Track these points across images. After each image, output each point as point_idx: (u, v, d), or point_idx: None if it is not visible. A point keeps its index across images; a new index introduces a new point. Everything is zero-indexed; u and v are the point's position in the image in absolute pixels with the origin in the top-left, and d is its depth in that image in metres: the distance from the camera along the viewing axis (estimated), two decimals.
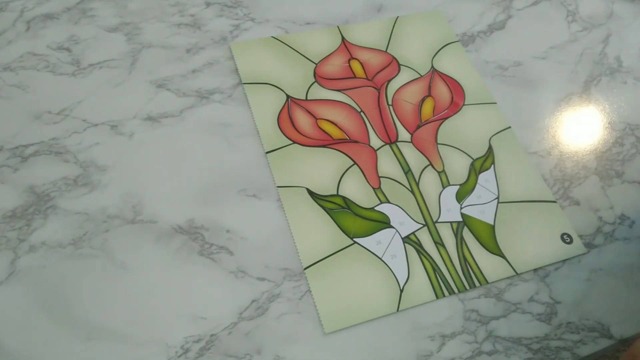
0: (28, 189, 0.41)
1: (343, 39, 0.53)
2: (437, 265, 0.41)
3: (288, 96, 0.48)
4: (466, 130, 0.49)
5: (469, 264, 0.41)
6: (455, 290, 0.40)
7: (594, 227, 0.45)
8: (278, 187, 0.43)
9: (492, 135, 0.49)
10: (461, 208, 0.44)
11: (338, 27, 0.53)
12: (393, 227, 0.42)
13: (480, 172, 0.46)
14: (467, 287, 0.40)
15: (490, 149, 0.48)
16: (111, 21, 0.50)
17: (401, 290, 0.40)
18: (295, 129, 0.46)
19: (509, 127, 0.49)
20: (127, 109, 0.45)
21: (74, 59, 0.48)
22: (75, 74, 0.47)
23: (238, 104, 0.47)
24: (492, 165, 0.47)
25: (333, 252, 0.41)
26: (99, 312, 0.36)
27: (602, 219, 0.46)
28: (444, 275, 0.41)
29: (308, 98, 0.48)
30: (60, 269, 0.38)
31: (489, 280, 0.41)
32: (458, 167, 0.46)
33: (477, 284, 0.41)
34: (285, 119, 0.46)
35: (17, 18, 0.49)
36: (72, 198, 0.41)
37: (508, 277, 0.41)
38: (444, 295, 0.40)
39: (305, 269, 0.40)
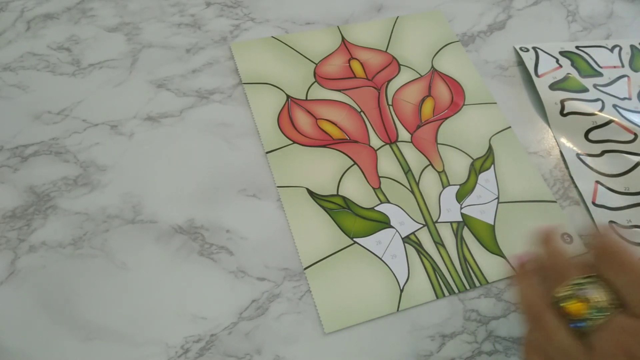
0: (28, 189, 0.41)
1: (343, 39, 0.53)
2: (437, 265, 0.41)
3: (288, 96, 0.48)
4: (466, 130, 0.49)
5: (469, 264, 0.41)
6: (456, 290, 0.40)
7: (593, 227, 0.45)
8: (278, 187, 0.43)
9: (492, 135, 0.49)
10: (461, 208, 0.44)
11: (338, 27, 0.53)
12: (393, 227, 0.42)
13: (480, 172, 0.46)
14: (467, 287, 0.40)
15: (490, 149, 0.48)
16: (111, 21, 0.50)
17: (401, 290, 0.40)
18: (295, 129, 0.46)
19: (509, 127, 0.49)
20: (127, 109, 0.45)
21: (74, 59, 0.48)
22: (75, 74, 0.47)
23: (238, 104, 0.47)
24: (492, 165, 0.47)
25: (333, 252, 0.40)
26: (99, 312, 0.36)
27: None
28: (444, 275, 0.41)
29: (308, 98, 0.48)
30: (60, 269, 0.38)
31: (489, 280, 0.41)
32: (458, 167, 0.46)
33: (477, 284, 0.41)
34: (285, 118, 0.46)
35: (17, 18, 0.49)
36: (72, 198, 0.41)
37: (508, 277, 0.41)
38: (444, 295, 0.40)
39: (305, 269, 0.40)
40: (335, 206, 0.43)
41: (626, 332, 0.25)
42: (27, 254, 0.38)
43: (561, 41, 0.57)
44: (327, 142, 0.46)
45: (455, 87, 0.51)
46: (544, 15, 0.59)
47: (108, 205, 0.41)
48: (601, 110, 0.50)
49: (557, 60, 0.54)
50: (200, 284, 0.38)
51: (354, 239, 0.41)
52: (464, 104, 0.50)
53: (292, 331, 0.37)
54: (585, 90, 0.51)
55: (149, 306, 0.37)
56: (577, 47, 0.56)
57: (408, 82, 0.51)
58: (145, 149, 0.44)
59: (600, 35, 0.58)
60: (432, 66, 0.52)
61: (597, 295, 0.27)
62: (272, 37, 0.51)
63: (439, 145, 0.47)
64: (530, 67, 0.53)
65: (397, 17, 0.55)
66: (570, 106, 0.50)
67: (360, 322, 0.38)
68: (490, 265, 0.42)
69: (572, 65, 0.54)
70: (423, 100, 0.50)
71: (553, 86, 0.51)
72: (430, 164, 0.46)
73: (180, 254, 0.39)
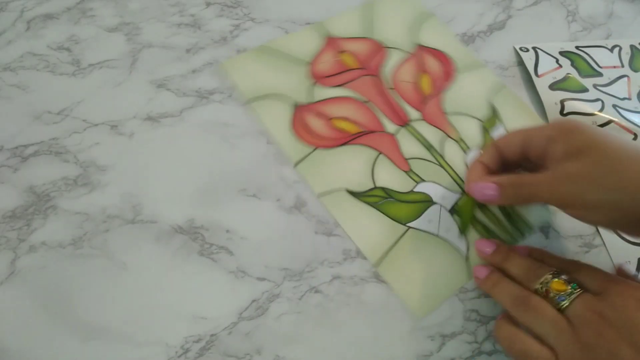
0: (28, 189, 0.41)
1: (327, 34, 0.52)
2: (486, 226, 0.43)
3: (294, 103, 0.47)
4: (467, 96, 0.50)
5: (511, 216, 0.44)
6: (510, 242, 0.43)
7: (593, 227, 0.45)
8: (319, 195, 0.43)
9: (492, 95, 0.51)
10: None
11: (319, 23, 0.53)
12: (437, 203, 0.44)
13: (492, 130, 0.48)
14: (519, 238, 0.43)
15: (493, 108, 0.50)
16: (111, 21, 0.50)
17: (466, 259, 0.41)
18: (313, 133, 0.46)
19: (505, 86, 0.52)
20: (127, 109, 0.45)
21: (74, 59, 0.48)
22: (75, 74, 0.47)
23: (238, 104, 0.47)
24: (500, 122, 0.49)
25: (394, 242, 0.41)
26: (99, 312, 0.36)
27: None
28: (495, 233, 0.43)
29: (314, 100, 0.48)
30: (60, 269, 0.38)
31: (533, 225, 0.44)
32: (471, 131, 0.48)
33: (525, 232, 0.44)
34: (299, 126, 0.46)
35: (17, 18, 0.49)
36: (72, 198, 0.41)
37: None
38: None
39: (376, 266, 0.40)
40: (378, 199, 0.43)
41: (594, 301, 0.33)
42: (27, 254, 0.38)
43: (561, 41, 0.57)
44: (347, 139, 0.46)
45: (443, 58, 0.53)
46: (544, 16, 0.59)
47: (108, 205, 0.41)
48: (601, 110, 0.50)
49: (557, 61, 0.54)
50: (200, 284, 0.38)
51: (407, 225, 0.42)
52: (457, 72, 0.52)
53: (292, 331, 0.37)
54: (585, 90, 0.51)
55: (149, 306, 0.37)
56: (577, 47, 0.56)
57: (400, 63, 0.51)
58: (145, 149, 0.44)
59: (600, 35, 0.58)
60: (417, 43, 0.53)
61: (568, 279, 0.35)
62: (260, 46, 0.50)
63: (448, 116, 0.49)
64: (530, 67, 0.53)
65: (372, 1, 0.55)
66: (570, 106, 0.50)
67: (445, 299, 0.40)
68: (529, 212, 0.44)
69: (572, 65, 0.54)
70: (419, 77, 0.51)
71: (553, 86, 0.51)
72: (447, 135, 0.47)
73: (180, 254, 0.39)
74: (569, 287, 0.34)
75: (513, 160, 0.40)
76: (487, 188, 0.38)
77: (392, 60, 0.51)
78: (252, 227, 0.41)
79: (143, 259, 0.39)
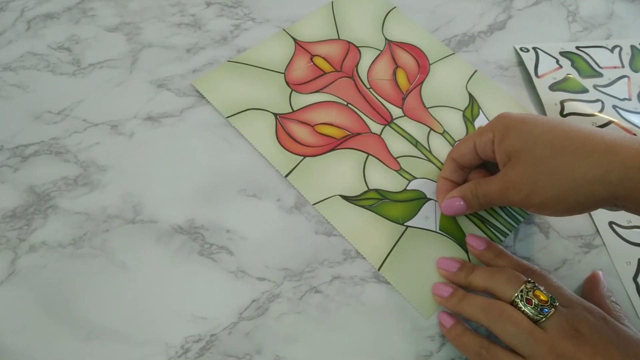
0: (28, 189, 0.41)
1: (295, 40, 0.52)
2: (482, 217, 0.43)
3: (275, 114, 0.46)
4: (443, 87, 0.51)
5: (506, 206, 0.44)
6: (507, 232, 0.43)
7: (593, 227, 0.45)
8: (313, 204, 0.42)
9: (467, 83, 0.51)
10: None
11: (284, 29, 0.52)
12: (431, 199, 0.44)
13: (474, 121, 0.49)
14: (515, 225, 0.44)
15: (471, 96, 0.50)
16: (111, 21, 0.50)
17: (467, 252, 0.42)
18: (298, 143, 0.45)
19: (476, 71, 0.52)
20: (127, 109, 0.45)
21: (74, 58, 0.48)
22: (76, 73, 0.47)
23: None
24: (480, 110, 0.49)
25: (394, 243, 0.41)
26: (99, 312, 0.36)
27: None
28: (492, 223, 0.43)
29: (294, 109, 0.47)
30: (60, 269, 0.38)
31: (528, 213, 0.44)
32: (453, 122, 0.48)
33: (520, 219, 0.44)
34: (284, 136, 0.45)
35: (18, 18, 0.49)
36: (72, 198, 0.41)
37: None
38: (501, 241, 0.42)
39: (378, 269, 0.40)
40: (373, 201, 0.43)
41: (569, 315, 0.34)
42: (27, 254, 0.38)
43: (561, 41, 0.57)
44: (334, 145, 0.46)
45: (415, 51, 0.53)
46: (544, 16, 0.59)
47: (108, 205, 0.41)
48: (601, 111, 0.50)
49: (557, 61, 0.54)
50: (200, 284, 0.38)
51: (404, 224, 0.42)
52: (430, 64, 0.52)
53: (292, 331, 0.37)
54: (585, 91, 0.51)
55: (149, 306, 0.37)
56: (577, 48, 0.56)
57: (373, 61, 0.51)
58: (146, 149, 0.44)
59: (600, 36, 0.58)
60: (386, 38, 0.53)
61: (545, 291, 0.35)
62: (229, 61, 0.49)
63: (429, 109, 0.49)
64: (530, 67, 0.53)
65: (332, 1, 0.55)
66: (570, 107, 0.50)
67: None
68: None
69: (572, 65, 0.54)
70: (394, 73, 0.51)
71: (553, 87, 0.51)
72: (431, 129, 0.48)
73: (180, 254, 0.39)
74: (549, 299, 0.34)
75: (473, 165, 0.42)
76: (454, 203, 0.40)
77: (365, 60, 0.51)
78: (252, 227, 0.41)
79: (143, 259, 0.39)
